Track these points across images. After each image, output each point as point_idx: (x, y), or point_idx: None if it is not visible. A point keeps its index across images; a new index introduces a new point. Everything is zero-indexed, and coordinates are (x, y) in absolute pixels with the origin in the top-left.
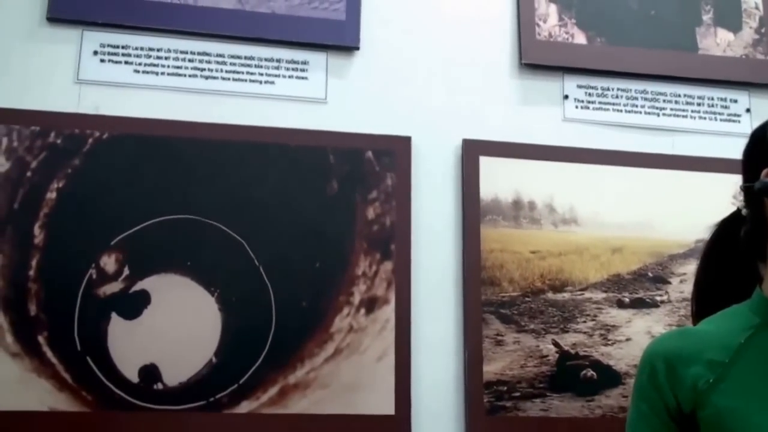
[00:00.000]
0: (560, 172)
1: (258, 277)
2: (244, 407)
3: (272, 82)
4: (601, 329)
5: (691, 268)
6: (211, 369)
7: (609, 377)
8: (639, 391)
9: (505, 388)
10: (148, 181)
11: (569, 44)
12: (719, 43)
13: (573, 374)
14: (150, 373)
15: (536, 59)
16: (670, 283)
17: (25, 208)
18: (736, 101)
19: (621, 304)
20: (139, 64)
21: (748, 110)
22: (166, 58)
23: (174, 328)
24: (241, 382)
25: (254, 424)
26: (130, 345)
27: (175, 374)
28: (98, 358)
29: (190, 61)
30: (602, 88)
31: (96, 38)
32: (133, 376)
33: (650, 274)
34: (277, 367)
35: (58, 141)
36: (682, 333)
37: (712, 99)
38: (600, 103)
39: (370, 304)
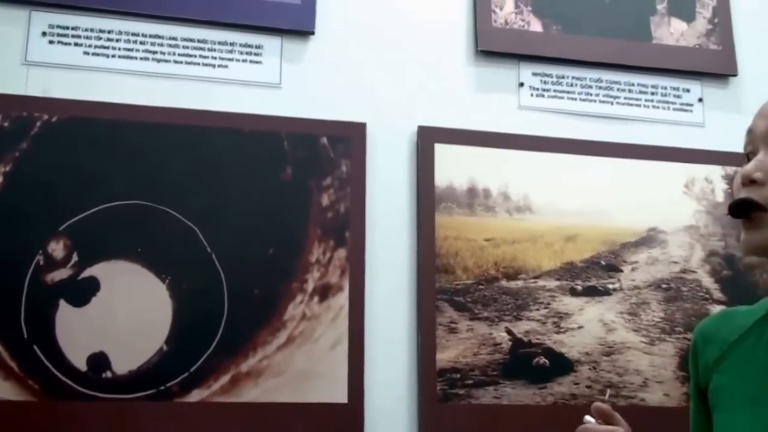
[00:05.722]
0: (515, 160)
1: (210, 264)
2: (195, 396)
3: (226, 66)
4: (554, 317)
5: (642, 256)
6: (161, 357)
7: (561, 365)
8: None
9: (458, 375)
10: (97, 165)
11: (525, 32)
12: (673, 32)
13: (525, 362)
14: (99, 361)
15: (492, 46)
16: (621, 271)
17: None
18: (688, 91)
19: (574, 292)
20: (89, 46)
21: (700, 100)
22: (117, 41)
23: (124, 315)
24: (192, 370)
25: (206, 413)
26: (78, 333)
27: (124, 362)
28: (45, 346)
29: (142, 43)
30: (557, 76)
31: (44, 19)
32: (81, 364)
33: (603, 262)
34: (229, 355)
35: (6, 124)
36: (718, 314)
37: (666, 88)
38: (555, 91)
39: (324, 292)
